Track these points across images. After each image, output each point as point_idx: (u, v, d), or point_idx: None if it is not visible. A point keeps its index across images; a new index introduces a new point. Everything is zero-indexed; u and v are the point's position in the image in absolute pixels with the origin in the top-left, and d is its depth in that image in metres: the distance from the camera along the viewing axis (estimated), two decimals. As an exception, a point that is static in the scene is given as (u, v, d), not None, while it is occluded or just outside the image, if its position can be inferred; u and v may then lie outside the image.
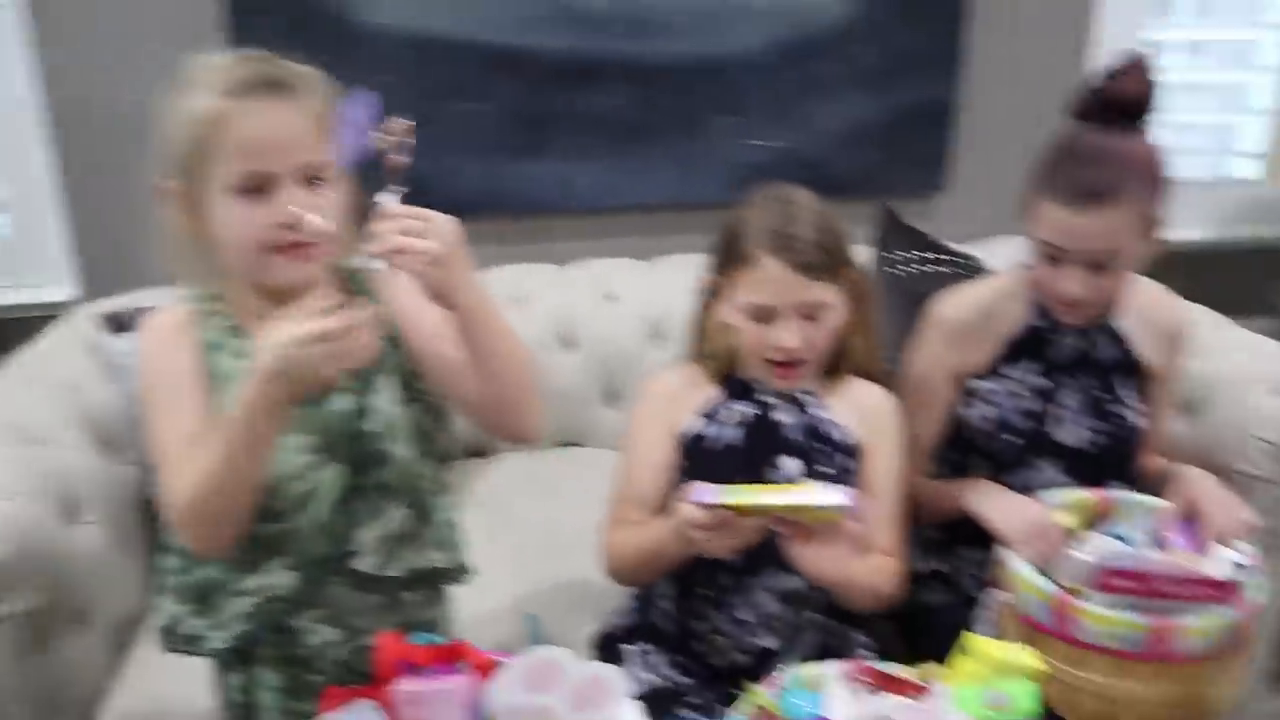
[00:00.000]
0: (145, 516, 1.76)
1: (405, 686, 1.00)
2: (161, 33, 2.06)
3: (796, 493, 1.25)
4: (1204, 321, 1.91)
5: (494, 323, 1.15)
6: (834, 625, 1.45)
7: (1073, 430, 1.52)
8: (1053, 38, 2.34)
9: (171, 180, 1.12)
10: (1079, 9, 2.38)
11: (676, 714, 1.37)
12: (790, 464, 1.40)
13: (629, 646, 1.50)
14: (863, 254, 2.07)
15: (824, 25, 2.22)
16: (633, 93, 2.21)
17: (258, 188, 1.09)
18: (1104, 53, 2.39)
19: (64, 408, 1.69)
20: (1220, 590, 1.24)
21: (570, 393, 2.15)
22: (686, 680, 1.44)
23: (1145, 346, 1.54)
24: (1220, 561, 1.33)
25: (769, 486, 1.28)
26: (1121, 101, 1.38)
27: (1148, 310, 1.56)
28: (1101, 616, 1.26)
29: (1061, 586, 1.30)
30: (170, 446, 1.14)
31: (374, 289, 1.22)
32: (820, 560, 1.24)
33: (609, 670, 1.03)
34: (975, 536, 1.48)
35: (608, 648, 1.52)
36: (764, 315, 1.34)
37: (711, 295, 1.42)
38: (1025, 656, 1.13)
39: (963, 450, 1.58)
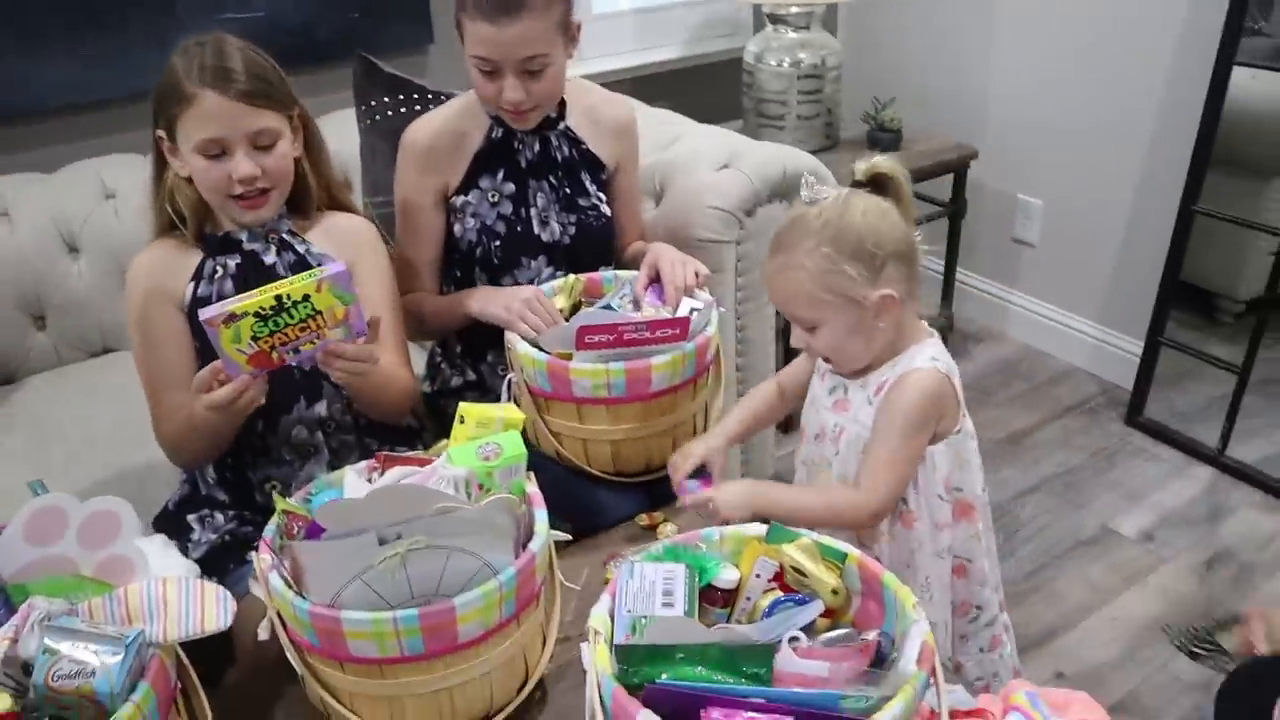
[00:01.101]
0: None
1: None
2: None
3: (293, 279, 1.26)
4: (662, 119, 2.19)
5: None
6: (368, 442, 1.56)
7: (549, 226, 1.70)
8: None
9: None
10: None
11: (235, 569, 1.44)
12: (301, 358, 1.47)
13: (190, 515, 1.54)
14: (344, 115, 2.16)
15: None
16: (85, -24, 2.10)
17: None
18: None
19: None
20: (674, 326, 1.48)
21: (87, 301, 2.05)
22: (248, 529, 1.50)
23: (596, 143, 1.74)
24: (683, 309, 1.58)
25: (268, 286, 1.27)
26: None
27: (594, 111, 1.75)
28: (587, 370, 1.47)
29: (555, 355, 1.50)
30: (152, 385, 1.44)
31: None
32: (341, 372, 1.34)
33: (113, 502, 1.07)
34: (494, 341, 1.63)
35: (170, 522, 1.54)
36: (216, 149, 1.37)
37: (163, 153, 1.43)
38: (508, 411, 1.30)
39: (461, 265, 1.72)
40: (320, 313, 1.25)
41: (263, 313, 1.21)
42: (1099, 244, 2.74)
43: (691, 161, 1.97)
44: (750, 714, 0.89)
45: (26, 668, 0.97)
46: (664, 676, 0.92)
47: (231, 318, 1.20)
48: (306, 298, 1.23)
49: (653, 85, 2.85)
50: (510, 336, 1.54)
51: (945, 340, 2.71)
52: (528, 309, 1.54)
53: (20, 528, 1.04)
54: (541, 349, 1.51)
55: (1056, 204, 2.82)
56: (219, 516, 1.52)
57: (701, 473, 1.46)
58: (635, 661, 0.93)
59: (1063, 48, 2.66)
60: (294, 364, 1.32)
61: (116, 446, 1.73)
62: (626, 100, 1.85)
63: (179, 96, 1.35)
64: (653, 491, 1.58)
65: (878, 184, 1.29)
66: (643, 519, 1.52)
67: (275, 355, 1.25)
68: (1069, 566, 2.21)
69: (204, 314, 1.20)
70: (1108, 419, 2.69)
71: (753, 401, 1.56)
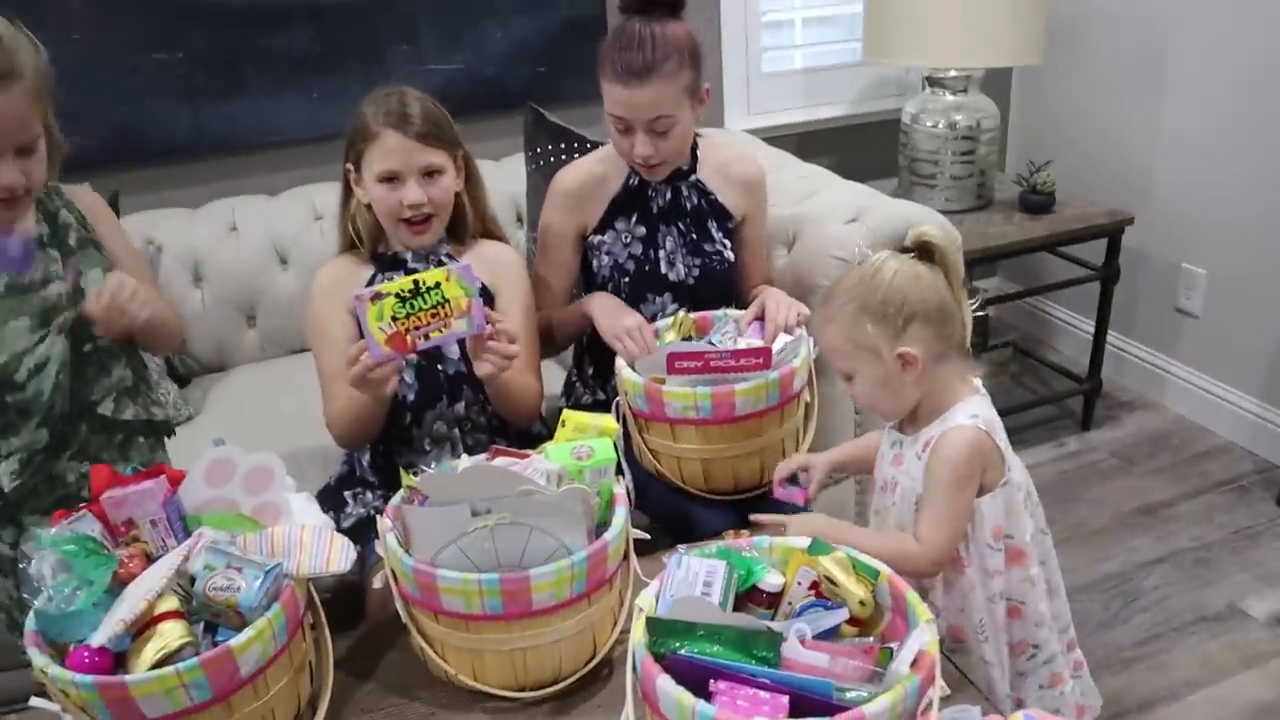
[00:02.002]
0: None
1: (109, 494, 1.26)
2: None
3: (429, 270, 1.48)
4: (804, 174, 2.35)
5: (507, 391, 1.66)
6: (498, 442, 1.77)
7: (676, 267, 1.89)
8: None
9: None
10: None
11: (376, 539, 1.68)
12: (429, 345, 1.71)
13: (346, 492, 1.80)
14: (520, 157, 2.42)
15: (479, -45, 2.52)
16: (314, 30, 2.46)
17: None
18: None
19: None
20: (758, 355, 1.63)
21: (291, 307, 2.40)
22: (391, 508, 1.75)
23: (726, 195, 1.91)
24: (777, 344, 1.73)
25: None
26: None
27: (726, 167, 1.92)
28: (679, 393, 1.65)
29: (650, 379, 1.68)
30: (324, 377, 1.70)
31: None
32: (483, 362, 1.56)
33: (270, 458, 1.32)
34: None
35: (330, 497, 1.81)
36: (392, 179, 1.63)
37: (350, 183, 1.71)
38: (604, 420, 1.49)
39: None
40: (448, 301, 1.47)
41: (402, 295, 1.44)
42: (1266, 317, 2.69)
43: (823, 214, 2.11)
44: (751, 690, 1.04)
45: (192, 580, 1.22)
46: (684, 649, 1.08)
47: (378, 296, 1.44)
48: (438, 285, 1.46)
49: (815, 140, 3.01)
50: (617, 362, 1.73)
51: (1092, 405, 2.77)
52: (628, 336, 1.73)
53: (201, 472, 1.30)
54: (638, 371, 1.70)
55: (1222, 274, 2.78)
56: (369, 494, 1.78)
57: (799, 482, 1.60)
58: (662, 633, 1.09)
59: (1233, 115, 2.65)
60: (424, 347, 1.52)
61: (297, 431, 2.01)
62: (757, 159, 2.01)
63: (366, 135, 1.63)
64: (742, 509, 1.72)
65: (924, 250, 1.39)
66: (729, 535, 1.66)
67: (410, 338, 1.47)
68: (1185, 640, 2.19)
69: (357, 297, 1.45)
70: (1259, 499, 2.62)
71: (864, 440, 1.67)
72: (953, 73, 2.68)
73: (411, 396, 1.68)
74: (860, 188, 2.27)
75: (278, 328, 2.40)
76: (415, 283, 1.45)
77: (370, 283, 1.71)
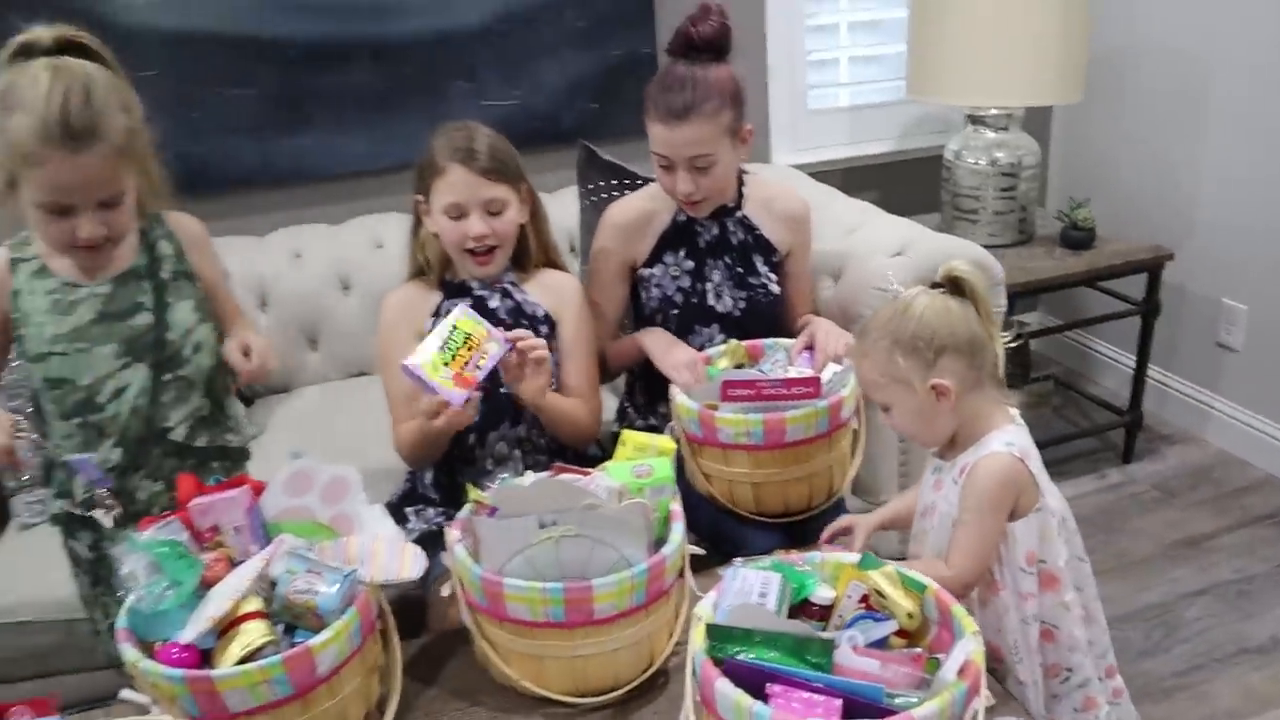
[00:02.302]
0: None
1: (195, 502, 1.34)
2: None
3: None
4: (852, 208, 2.42)
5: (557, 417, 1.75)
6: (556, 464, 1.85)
7: (723, 299, 1.95)
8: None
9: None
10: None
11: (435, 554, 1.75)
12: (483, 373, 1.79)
13: (408, 509, 1.87)
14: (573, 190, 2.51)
15: (536, -4, 2.62)
16: (379, 68, 2.57)
17: (61, 210, 1.38)
18: (770, 8, 2.89)
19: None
20: (808, 385, 1.69)
21: (352, 331, 2.50)
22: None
23: (771, 231, 1.98)
24: (826, 373, 1.79)
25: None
26: (699, 40, 1.79)
27: (771, 203, 1.99)
28: (732, 419, 1.71)
29: (704, 406, 1.75)
30: (392, 399, 1.79)
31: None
32: (526, 389, 1.65)
33: (347, 471, 1.40)
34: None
35: (392, 513, 1.87)
36: (457, 212, 1.72)
37: (420, 213, 1.79)
38: (662, 441, 1.55)
39: (644, 324, 2.01)
40: (470, 335, 1.57)
41: (448, 345, 1.55)
42: (1307, 354, 2.72)
43: (869, 247, 2.18)
44: (805, 693, 1.09)
45: (273, 584, 1.30)
46: (742, 654, 1.14)
47: (420, 363, 1.54)
48: (454, 328, 1.56)
49: (860, 176, 3.08)
50: (672, 389, 1.80)
51: (1133, 438, 2.79)
52: (683, 366, 1.81)
53: (281, 482, 1.39)
54: (693, 398, 1.77)
55: (1263, 309, 2.81)
56: (430, 511, 1.85)
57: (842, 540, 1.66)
58: (720, 639, 1.15)
59: (1274, 151, 2.68)
60: (483, 377, 1.60)
61: (358, 449, 2.05)
62: (801, 195, 2.07)
63: (434, 168, 1.71)
64: (790, 531, 1.78)
65: (955, 285, 1.45)
66: (779, 554, 1.72)
67: (468, 373, 1.56)
68: (1227, 671, 2.20)
69: (403, 364, 1.55)
70: (1302, 533, 2.64)
71: (907, 496, 1.70)
72: (994, 111, 2.74)
73: (476, 418, 1.76)
74: (905, 222, 2.33)
75: (339, 351, 2.49)
76: (439, 338, 1.55)
77: (438, 310, 1.80)
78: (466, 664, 1.47)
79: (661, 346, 1.89)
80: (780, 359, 1.87)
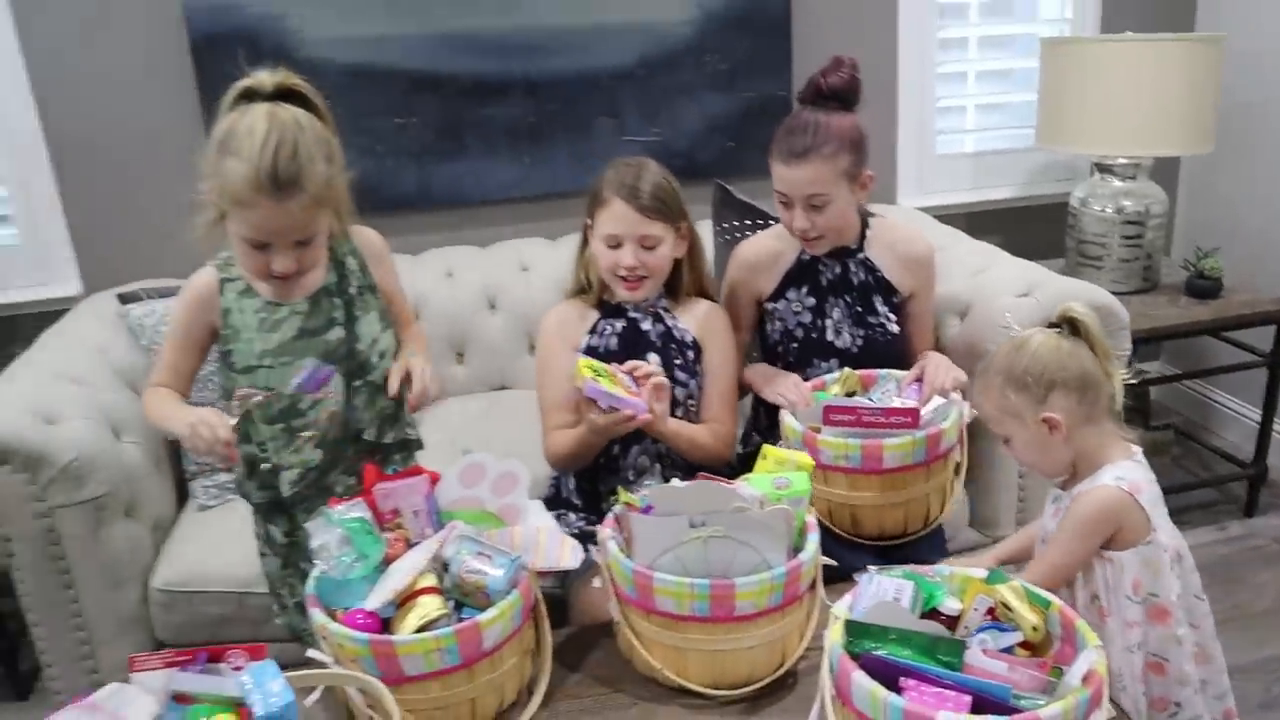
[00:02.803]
0: (171, 444, 2.28)
1: (380, 486, 1.50)
2: (138, 66, 2.54)
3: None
4: (977, 250, 2.50)
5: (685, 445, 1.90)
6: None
7: (842, 336, 2.05)
8: (862, 38, 2.91)
9: (210, 198, 1.51)
10: (884, 15, 2.98)
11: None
12: (653, 358, 1.93)
13: (551, 512, 2.00)
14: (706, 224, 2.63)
15: (680, 40, 2.79)
16: (531, 103, 2.75)
17: (260, 246, 1.51)
18: (903, 49, 2.99)
19: (97, 362, 2.18)
20: (907, 415, 1.79)
21: (497, 347, 2.67)
22: (593, 530, 1.93)
23: (894, 272, 2.06)
24: (930, 405, 1.89)
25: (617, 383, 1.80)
26: (827, 90, 1.91)
27: (895, 246, 2.08)
28: (832, 442, 1.82)
29: (808, 428, 1.85)
30: (546, 407, 1.94)
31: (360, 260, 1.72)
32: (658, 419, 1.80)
33: (516, 465, 1.54)
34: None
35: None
36: (614, 243, 1.86)
37: (587, 236, 1.95)
38: (801, 456, 1.66)
39: (768, 354, 2.13)
40: (597, 369, 1.78)
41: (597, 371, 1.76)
42: None
43: (994, 287, 2.26)
44: (937, 688, 1.18)
45: (445, 565, 1.44)
46: (877, 650, 1.23)
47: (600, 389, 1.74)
48: (587, 366, 1.77)
49: (984, 220, 3.15)
50: (782, 412, 1.91)
51: (1256, 491, 2.79)
52: (792, 391, 1.94)
53: (456, 473, 1.53)
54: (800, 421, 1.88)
55: (1395, 370, 2.78)
56: (571, 516, 1.99)
57: None
58: (858, 634, 1.25)
59: None
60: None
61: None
62: (926, 238, 2.14)
63: (599, 199, 1.86)
64: (885, 555, 1.86)
65: (1071, 325, 1.54)
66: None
67: (630, 390, 1.76)
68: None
69: (589, 389, 1.75)
70: None
71: (1024, 532, 1.78)
72: (1122, 160, 2.79)
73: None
74: (1030, 265, 2.40)
75: (485, 365, 2.66)
76: (586, 378, 1.75)
77: (593, 329, 1.96)
78: (609, 654, 1.59)
79: (764, 376, 2.03)
80: (890, 389, 1.97)
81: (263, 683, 1.16)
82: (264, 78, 1.50)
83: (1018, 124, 3.21)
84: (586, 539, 1.88)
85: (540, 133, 2.78)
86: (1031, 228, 3.20)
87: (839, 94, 1.91)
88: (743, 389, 2.11)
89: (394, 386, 1.67)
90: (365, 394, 1.70)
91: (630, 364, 1.80)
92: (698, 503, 1.44)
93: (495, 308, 2.67)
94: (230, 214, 1.49)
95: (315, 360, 1.63)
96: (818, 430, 1.84)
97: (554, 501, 2.03)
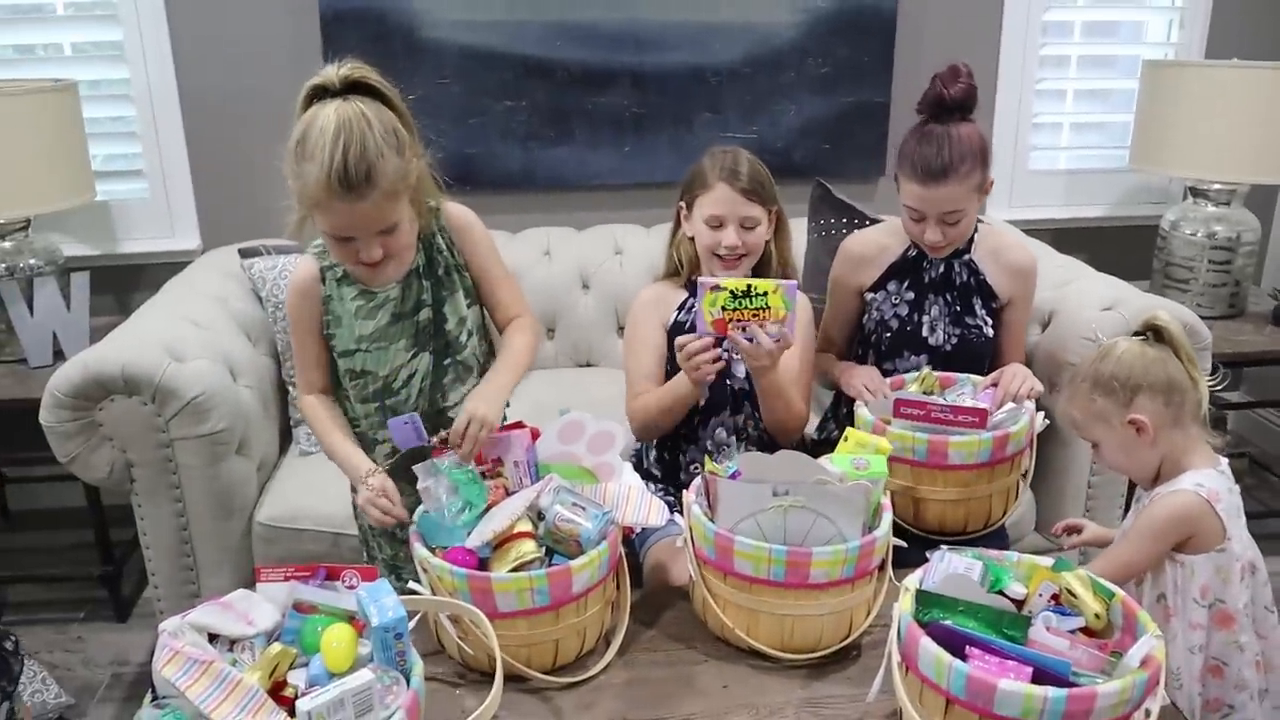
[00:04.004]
0: (279, 392, 2.43)
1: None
2: (271, 37, 2.70)
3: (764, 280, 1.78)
4: (1064, 263, 2.55)
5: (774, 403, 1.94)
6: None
7: (936, 333, 2.11)
8: (965, 51, 2.93)
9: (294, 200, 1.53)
10: (989, 29, 3.02)
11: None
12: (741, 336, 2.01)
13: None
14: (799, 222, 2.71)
15: (784, 41, 2.87)
16: (636, 95, 2.86)
17: (344, 239, 1.54)
18: (1004, 59, 3.04)
19: (217, 310, 2.34)
20: (975, 415, 1.85)
21: (587, 325, 2.78)
22: (672, 499, 2.03)
23: (995, 278, 2.11)
24: (1002, 410, 1.96)
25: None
26: (951, 102, 1.93)
27: (1000, 252, 2.13)
28: (899, 434, 1.88)
29: (879, 419, 1.93)
30: (632, 375, 2.01)
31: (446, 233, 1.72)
32: (759, 361, 1.84)
33: (615, 425, 1.64)
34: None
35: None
36: (716, 223, 1.95)
37: (680, 219, 2.04)
38: (881, 441, 1.74)
39: (863, 344, 2.20)
40: (769, 307, 1.77)
41: (736, 292, 1.76)
42: None
43: (1079, 300, 2.30)
44: (999, 659, 1.25)
45: (541, 514, 1.54)
46: (946, 620, 1.31)
47: (717, 287, 1.76)
48: (765, 293, 1.76)
49: (1071, 236, 3.17)
50: (857, 404, 2.00)
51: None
52: (864, 379, 2.03)
53: (556, 430, 1.64)
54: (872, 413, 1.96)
55: None
56: (652, 486, 2.08)
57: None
58: (929, 604, 1.32)
59: None
60: (737, 338, 1.80)
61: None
62: (1030, 249, 2.20)
63: (702, 182, 1.96)
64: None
65: (1156, 333, 1.60)
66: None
67: (730, 328, 1.78)
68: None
69: (702, 281, 1.77)
70: None
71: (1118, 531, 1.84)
72: (1217, 185, 2.80)
73: (702, 402, 1.99)
74: (1115, 281, 2.44)
75: (574, 342, 2.78)
76: (749, 285, 1.76)
77: (682, 307, 2.04)
78: (682, 614, 1.67)
79: (843, 369, 2.12)
80: (966, 391, 2.03)
81: (377, 598, 1.27)
82: (330, 73, 1.50)
83: (1112, 144, 3.23)
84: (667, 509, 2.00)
85: (643, 124, 2.88)
86: (1119, 248, 3.22)
87: (962, 104, 1.95)
88: (825, 379, 2.19)
89: (453, 440, 1.60)
90: (453, 372, 1.74)
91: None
92: (783, 472, 1.52)
93: (588, 287, 2.78)
94: (314, 214, 1.53)
95: (396, 421, 1.64)
96: (888, 422, 1.92)
97: (636, 472, 2.12)
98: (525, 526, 1.53)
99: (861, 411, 1.96)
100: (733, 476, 1.58)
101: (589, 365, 2.80)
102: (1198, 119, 2.68)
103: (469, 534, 1.53)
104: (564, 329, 2.78)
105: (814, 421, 2.32)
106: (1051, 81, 3.15)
